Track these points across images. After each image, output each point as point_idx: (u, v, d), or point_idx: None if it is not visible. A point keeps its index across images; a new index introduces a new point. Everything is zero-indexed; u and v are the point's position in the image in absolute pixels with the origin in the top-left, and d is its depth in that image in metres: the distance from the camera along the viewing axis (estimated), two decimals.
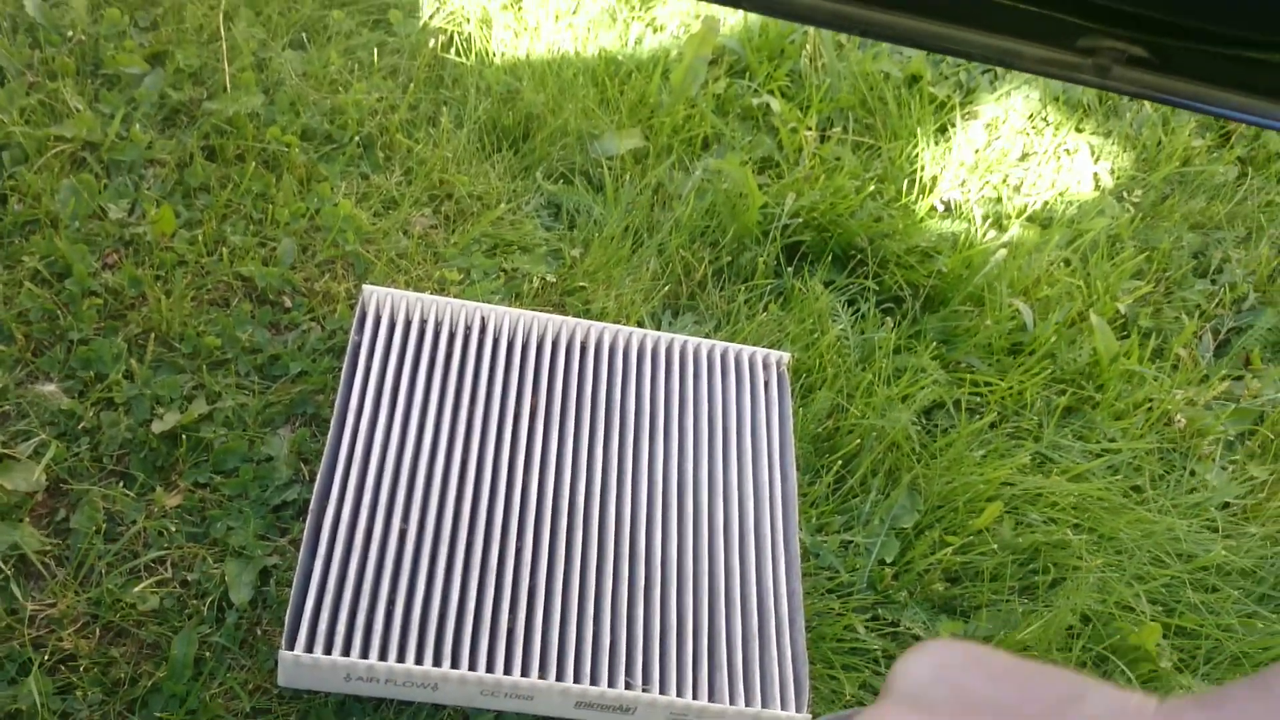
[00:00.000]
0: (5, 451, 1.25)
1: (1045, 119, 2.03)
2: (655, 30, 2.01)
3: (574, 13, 1.98)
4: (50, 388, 1.31)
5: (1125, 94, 0.81)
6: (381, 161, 1.68)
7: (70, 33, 1.64)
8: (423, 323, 1.41)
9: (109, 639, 1.19)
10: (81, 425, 1.29)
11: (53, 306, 1.37)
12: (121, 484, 1.26)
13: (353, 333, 1.38)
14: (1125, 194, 1.94)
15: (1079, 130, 2.02)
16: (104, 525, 1.23)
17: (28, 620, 1.17)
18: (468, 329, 1.43)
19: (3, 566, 1.19)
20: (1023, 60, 0.84)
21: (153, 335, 1.38)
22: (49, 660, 1.16)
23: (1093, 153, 1.99)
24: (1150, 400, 1.67)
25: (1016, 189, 1.91)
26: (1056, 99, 2.04)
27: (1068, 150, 1.98)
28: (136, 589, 1.21)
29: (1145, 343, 1.73)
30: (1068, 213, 1.87)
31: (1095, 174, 1.95)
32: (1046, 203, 1.89)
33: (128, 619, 1.19)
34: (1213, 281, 1.86)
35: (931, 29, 0.80)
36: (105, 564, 1.22)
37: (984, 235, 1.79)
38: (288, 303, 1.47)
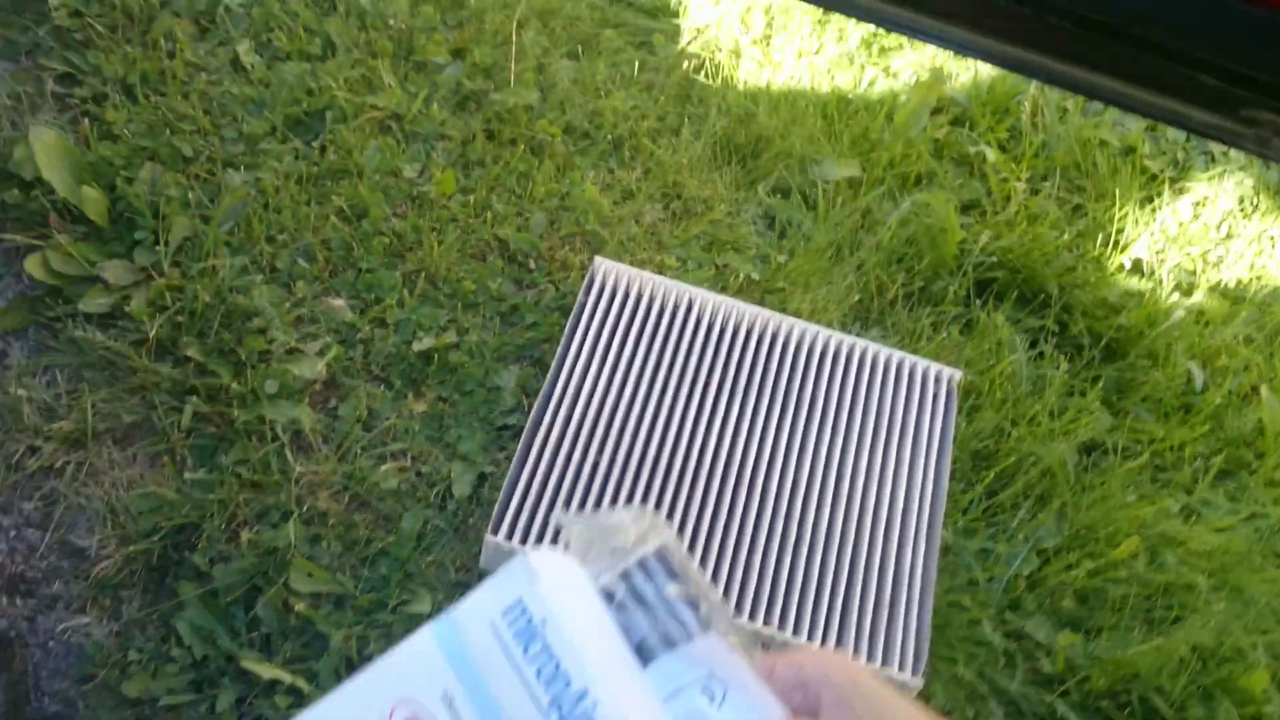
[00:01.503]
0: (298, 346, 1.56)
1: (1255, 204, 2.09)
2: (889, 75, 2.19)
3: (816, 53, 2.19)
4: (339, 302, 1.62)
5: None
6: (627, 159, 1.93)
7: (392, 21, 1.97)
8: (639, 295, 1.65)
9: (354, 506, 1.47)
10: (359, 336, 1.59)
11: (350, 239, 1.68)
12: (383, 387, 1.55)
13: (580, 294, 1.63)
14: None
15: None
16: (365, 416, 1.52)
17: (294, 480, 1.47)
18: (676, 306, 1.65)
19: (281, 435, 1.49)
20: (1190, 122, 0.97)
21: (423, 274, 1.67)
22: (305, 514, 1.45)
23: None
24: None
25: (1215, 264, 1.99)
26: (1269, 187, 2.10)
27: (1272, 237, 2.04)
28: (381, 469, 1.48)
29: None
30: (1260, 294, 1.94)
31: None
32: (1241, 280, 1.96)
33: (371, 493, 1.47)
34: None
35: (1109, 84, 0.95)
36: (360, 447, 1.50)
37: (1169, 296, 1.88)
38: (532, 265, 1.74)
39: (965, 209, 2.00)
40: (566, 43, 2.07)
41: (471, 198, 1.78)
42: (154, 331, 1.52)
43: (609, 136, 1.93)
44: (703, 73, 2.09)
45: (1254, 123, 0.91)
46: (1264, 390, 1.77)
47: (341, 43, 1.92)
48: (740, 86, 2.09)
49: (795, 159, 1.99)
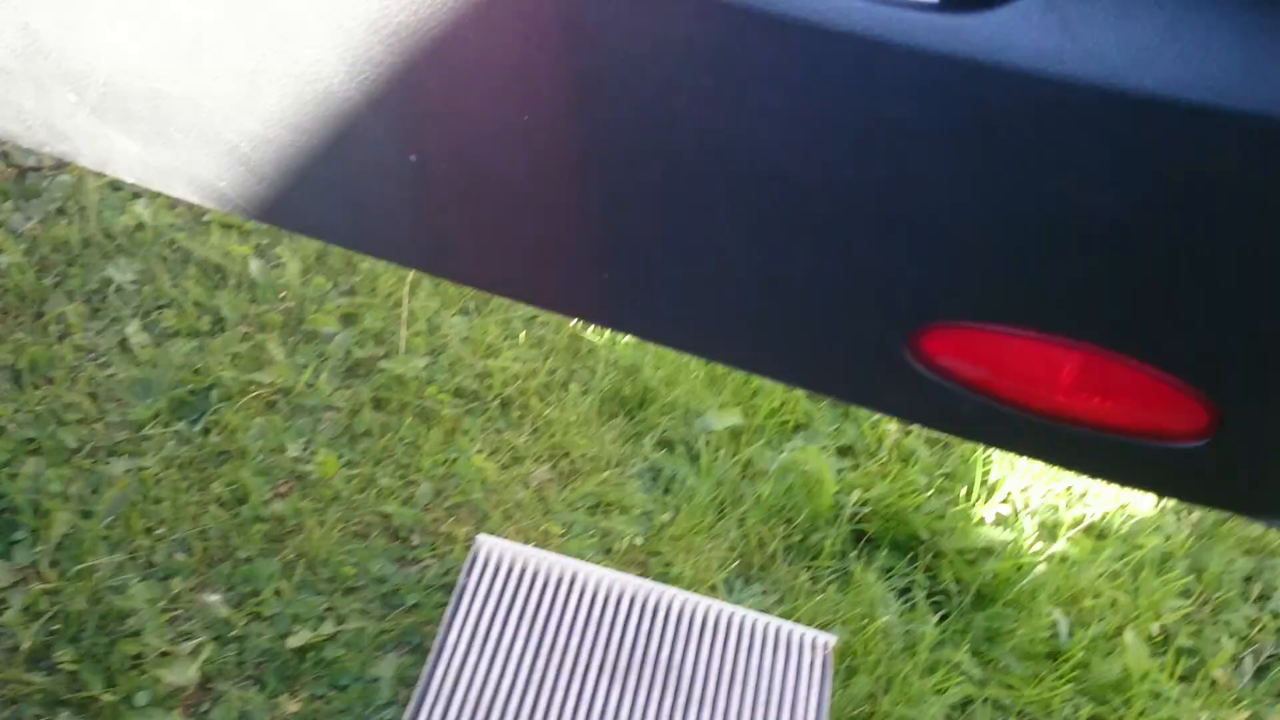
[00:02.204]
0: (170, 649, 1.56)
1: None
2: None
3: None
4: (214, 598, 1.63)
5: None
6: (515, 420, 1.99)
7: (283, 294, 2.04)
8: (522, 572, 1.68)
9: None
10: (233, 633, 1.60)
11: (228, 528, 1.71)
12: (256, 688, 1.56)
13: (461, 575, 1.66)
14: (1185, 514, 2.09)
15: None
16: None
17: None
18: (560, 581, 1.69)
19: None
20: None
21: (303, 560, 1.69)
22: None
23: None
24: None
25: (1080, 497, 2.08)
26: None
27: None
28: None
29: (1181, 661, 1.84)
30: (1124, 527, 2.03)
31: None
32: (1106, 514, 2.05)
33: None
34: (1259, 607, 1.97)
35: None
36: None
37: (1035, 542, 1.96)
38: (415, 540, 1.77)
39: (842, 452, 2.09)
40: (458, 301, 2.15)
41: (356, 472, 1.82)
42: (28, 641, 1.51)
43: (498, 397, 2.00)
44: (590, 328, 2.18)
45: None
46: (1128, 633, 1.83)
47: (231, 317, 1.98)
48: (627, 340, 2.18)
49: (680, 410, 2.07)
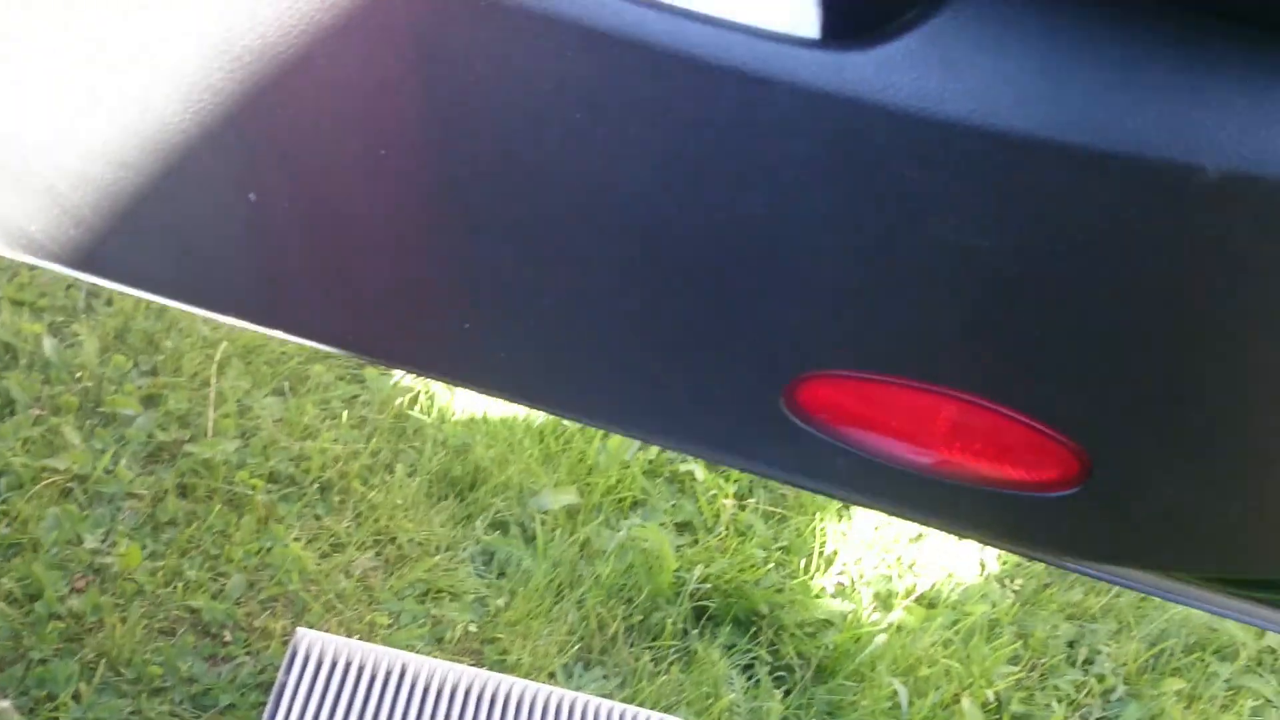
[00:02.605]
0: None
1: None
2: None
3: None
4: (5, 704, 1.45)
5: None
6: (336, 505, 1.88)
7: (79, 374, 1.88)
8: (346, 667, 1.57)
9: None
10: None
11: (20, 627, 1.53)
12: None
13: (280, 672, 1.53)
14: (1008, 580, 2.15)
15: None
16: None
17: None
18: (388, 674, 1.58)
19: None
20: None
21: (104, 660, 1.53)
22: None
23: None
24: None
25: (910, 567, 2.11)
26: None
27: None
28: None
29: None
30: (953, 595, 2.07)
31: (982, 560, 2.16)
32: (935, 583, 2.09)
33: None
34: (1084, 671, 2.03)
35: None
36: None
37: (872, 613, 1.98)
38: (228, 636, 1.63)
39: (681, 528, 2.06)
40: (272, 380, 2.03)
41: (161, 565, 1.67)
42: None
43: (316, 481, 1.88)
44: (417, 405, 2.10)
45: None
46: (965, 701, 1.85)
47: (22, 399, 1.81)
48: (456, 417, 2.11)
49: (513, 490, 2.00)
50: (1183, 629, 2.13)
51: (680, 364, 0.68)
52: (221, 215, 0.66)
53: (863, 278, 0.59)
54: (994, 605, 2.06)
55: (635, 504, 2.08)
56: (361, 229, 0.65)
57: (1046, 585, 2.17)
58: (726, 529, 2.05)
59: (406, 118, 0.59)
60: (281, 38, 0.56)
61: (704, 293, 0.62)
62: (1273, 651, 2.13)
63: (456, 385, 0.84)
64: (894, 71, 0.52)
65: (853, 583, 2.05)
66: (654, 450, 2.16)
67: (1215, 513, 0.68)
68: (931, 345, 0.61)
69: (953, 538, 2.17)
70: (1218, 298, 0.54)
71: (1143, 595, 2.20)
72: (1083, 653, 2.06)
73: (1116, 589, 2.19)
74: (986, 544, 0.86)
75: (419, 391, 2.12)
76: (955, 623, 2.02)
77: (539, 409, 0.83)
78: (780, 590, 1.95)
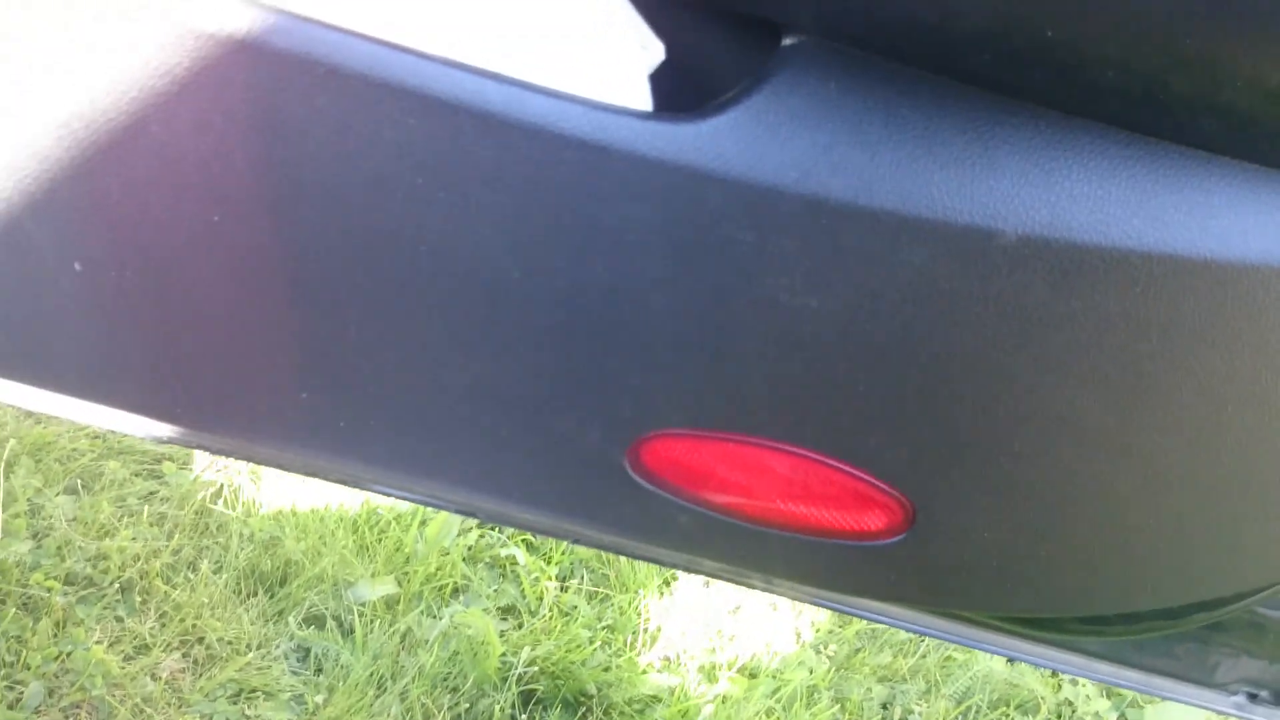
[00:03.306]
0: None
1: None
2: None
3: None
4: None
5: None
6: (138, 605, 1.77)
7: None
8: None
9: None
10: None
11: None
12: None
13: None
14: (823, 647, 2.21)
15: None
16: None
17: None
18: None
19: None
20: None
21: None
22: None
23: (793, 607, 2.27)
24: None
25: (730, 639, 2.15)
26: None
27: (774, 604, 2.26)
28: None
29: None
30: (772, 664, 2.11)
31: (797, 629, 2.22)
32: (755, 653, 2.13)
33: None
34: None
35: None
36: None
37: (697, 686, 2.00)
38: None
39: (504, 615, 2.03)
40: (64, 478, 1.91)
41: None
42: None
43: (116, 582, 1.77)
44: (221, 499, 2.01)
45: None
46: None
47: None
48: (264, 510, 2.03)
49: (328, 583, 1.94)
50: (986, 685, 2.24)
51: (524, 427, 0.69)
52: (43, 285, 0.64)
53: (700, 338, 0.62)
54: (811, 671, 2.12)
55: (456, 590, 2.05)
56: (196, 297, 0.64)
57: (858, 650, 2.24)
58: (551, 611, 2.04)
59: (243, 184, 0.59)
60: (113, 103, 0.56)
61: (546, 355, 0.64)
62: (1070, 704, 2.27)
63: (289, 467, 0.81)
64: (722, 141, 0.55)
65: (678, 656, 2.06)
66: (474, 535, 2.14)
67: (1028, 555, 0.73)
68: (765, 402, 0.64)
69: (769, 608, 2.23)
70: (1023, 353, 0.58)
71: (947, 655, 2.31)
72: (896, 712, 2.14)
73: (923, 650, 2.29)
74: (820, 596, 0.89)
75: (221, 485, 2.04)
76: (776, 690, 2.06)
77: (379, 486, 0.82)
78: (607, 669, 1.95)
